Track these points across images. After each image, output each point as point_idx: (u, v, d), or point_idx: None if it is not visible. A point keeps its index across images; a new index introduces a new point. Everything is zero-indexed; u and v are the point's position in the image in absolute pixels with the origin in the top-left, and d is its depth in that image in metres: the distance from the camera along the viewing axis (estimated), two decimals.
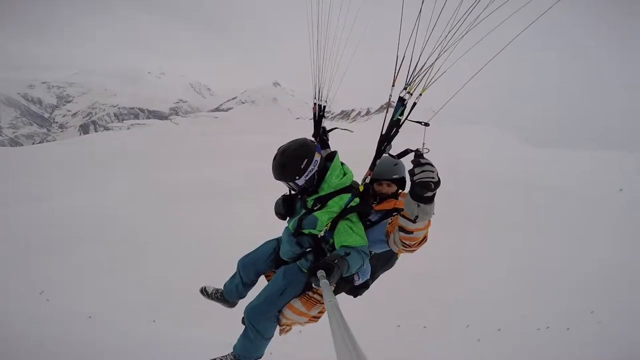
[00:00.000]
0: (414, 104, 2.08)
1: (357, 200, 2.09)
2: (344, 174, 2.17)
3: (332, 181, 2.13)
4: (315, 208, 2.12)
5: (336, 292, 2.14)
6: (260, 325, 2.16)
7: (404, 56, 2.01)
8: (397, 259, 2.52)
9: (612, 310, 7.60)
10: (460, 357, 6.88)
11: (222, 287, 2.65)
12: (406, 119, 2.10)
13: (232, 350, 2.27)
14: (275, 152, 2.16)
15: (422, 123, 2.05)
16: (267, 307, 2.15)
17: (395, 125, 2.12)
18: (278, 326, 2.22)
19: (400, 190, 2.58)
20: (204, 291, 2.71)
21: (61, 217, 11.63)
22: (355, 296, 2.33)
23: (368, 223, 2.21)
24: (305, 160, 2.05)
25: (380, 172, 2.49)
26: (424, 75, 2.01)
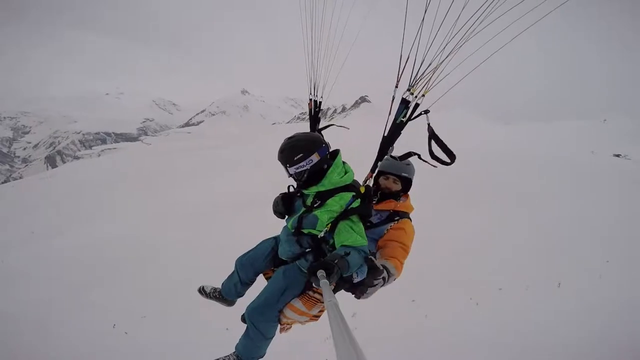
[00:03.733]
0: (416, 105, 2.13)
1: (358, 202, 2.10)
2: (345, 172, 2.20)
3: (333, 178, 2.14)
4: (315, 205, 2.15)
5: (335, 290, 2.18)
6: (261, 325, 2.19)
7: (407, 58, 2.06)
8: None
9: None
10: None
11: (220, 286, 2.67)
12: (409, 120, 2.15)
13: (234, 350, 2.29)
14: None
15: (423, 111, 2.15)
16: (267, 308, 2.17)
17: (398, 127, 2.18)
18: (279, 325, 2.24)
19: (402, 193, 2.57)
20: (202, 290, 2.73)
21: (81, 253, 11.58)
22: (358, 297, 2.28)
23: (368, 224, 2.28)
24: (300, 154, 2.08)
25: (390, 166, 2.54)
26: (427, 78, 2.07)
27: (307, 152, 2.09)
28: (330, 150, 2.25)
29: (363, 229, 2.07)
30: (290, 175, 2.17)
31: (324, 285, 1.47)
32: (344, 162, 2.25)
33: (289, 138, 2.16)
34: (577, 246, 9.11)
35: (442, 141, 2.16)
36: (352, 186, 2.15)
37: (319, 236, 2.10)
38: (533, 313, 6.60)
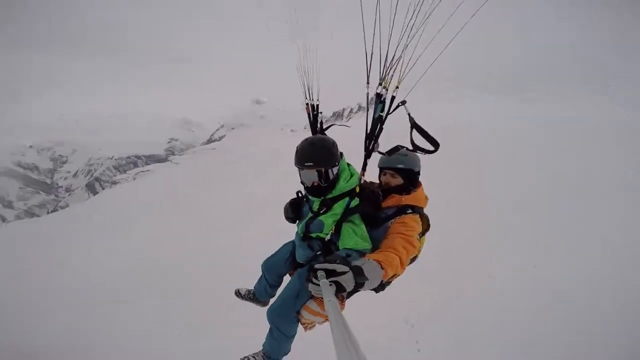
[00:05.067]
0: (393, 97, 2.17)
1: (356, 200, 2.15)
2: (351, 176, 2.24)
3: (341, 184, 2.18)
4: (321, 211, 2.20)
5: (348, 295, 2.11)
6: (282, 326, 2.29)
7: (371, 52, 2.08)
8: (418, 253, 2.35)
9: None
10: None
11: (253, 288, 2.87)
12: (388, 114, 2.21)
13: (261, 348, 2.43)
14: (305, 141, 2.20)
15: (400, 103, 2.20)
16: (285, 309, 2.27)
17: (378, 122, 2.23)
18: (300, 324, 2.30)
19: (411, 187, 2.40)
20: (238, 293, 2.97)
21: (137, 267, 12.49)
22: (376, 292, 2.28)
23: (374, 223, 2.22)
24: (334, 160, 2.17)
25: (384, 161, 2.47)
26: (396, 69, 2.09)
27: (335, 157, 2.19)
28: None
29: (365, 231, 2.12)
30: (319, 177, 2.16)
31: (324, 285, 1.46)
32: (348, 165, 2.33)
33: (319, 139, 2.20)
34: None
35: (424, 130, 2.23)
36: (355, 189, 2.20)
37: (325, 239, 2.18)
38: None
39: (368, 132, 2.25)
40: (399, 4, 1.90)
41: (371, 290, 2.06)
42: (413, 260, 2.26)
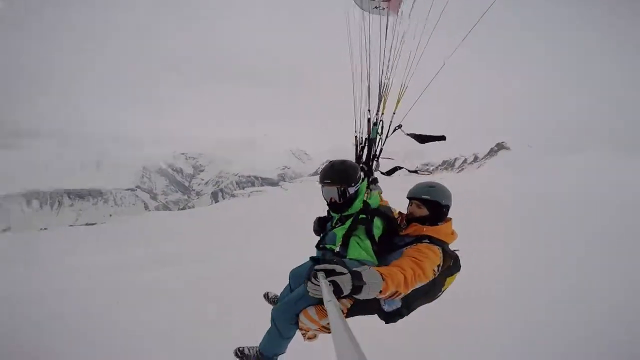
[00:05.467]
0: (391, 122, 2.72)
1: (363, 216, 2.29)
2: (369, 199, 2.42)
3: (356, 204, 2.37)
4: (337, 226, 2.38)
5: (361, 312, 2.23)
6: (280, 324, 2.38)
7: (368, 84, 2.65)
8: (441, 291, 2.34)
9: None
10: None
11: (279, 294, 3.01)
12: (387, 137, 2.71)
13: (258, 346, 2.54)
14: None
15: (397, 127, 2.73)
16: (286, 309, 2.36)
17: (369, 142, 2.69)
18: (299, 331, 2.34)
19: (436, 220, 2.34)
20: (266, 296, 3.16)
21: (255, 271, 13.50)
22: (387, 322, 2.31)
23: (389, 246, 2.31)
24: (354, 180, 2.35)
25: (411, 191, 2.48)
26: (386, 98, 2.60)
27: (357, 178, 2.39)
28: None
29: (369, 247, 2.17)
30: (339, 195, 2.35)
31: (324, 285, 1.46)
32: (370, 189, 2.53)
33: (340, 162, 2.45)
34: None
35: (424, 135, 2.71)
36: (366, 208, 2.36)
37: (335, 250, 2.29)
38: None
39: (365, 153, 2.69)
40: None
41: (382, 319, 2.27)
42: (434, 296, 2.31)
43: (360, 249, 2.16)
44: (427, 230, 2.29)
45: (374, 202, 2.43)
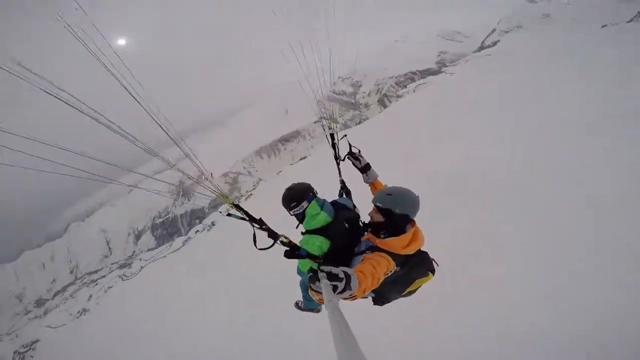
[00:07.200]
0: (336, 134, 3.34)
1: (304, 234, 2.78)
2: (314, 219, 2.76)
3: (305, 222, 2.82)
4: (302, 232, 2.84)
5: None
6: (303, 292, 3.19)
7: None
8: (407, 291, 2.50)
9: None
10: None
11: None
12: (336, 144, 3.33)
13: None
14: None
15: (343, 136, 3.39)
16: (303, 287, 3.15)
17: (333, 146, 3.34)
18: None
19: (394, 233, 2.36)
20: (297, 305, 3.69)
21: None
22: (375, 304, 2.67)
23: (352, 251, 2.56)
24: (294, 203, 2.83)
25: (374, 196, 2.53)
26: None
27: (300, 199, 2.83)
28: (316, 196, 2.90)
29: (305, 239, 2.69)
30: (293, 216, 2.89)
31: (325, 285, 1.59)
32: (322, 204, 2.82)
33: (287, 190, 2.91)
34: None
35: (353, 153, 3.26)
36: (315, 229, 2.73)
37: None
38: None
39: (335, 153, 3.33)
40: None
41: (375, 304, 2.63)
42: (400, 294, 2.50)
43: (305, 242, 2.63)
44: (379, 242, 2.32)
45: (315, 223, 2.71)
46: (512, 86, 21.40)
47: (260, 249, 2.48)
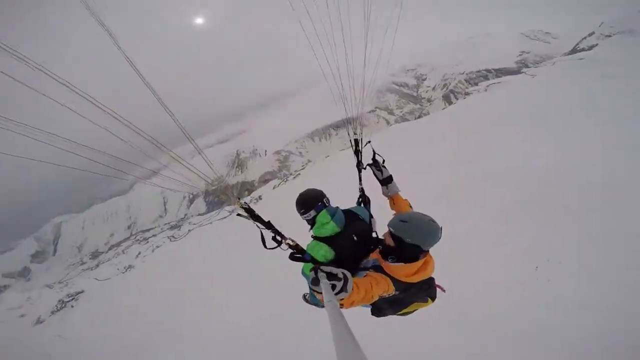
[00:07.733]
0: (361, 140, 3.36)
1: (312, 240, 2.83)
2: (322, 227, 2.79)
3: (315, 229, 2.84)
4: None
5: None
6: (310, 291, 3.03)
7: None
8: (404, 312, 2.51)
9: None
10: None
11: None
12: (360, 149, 3.32)
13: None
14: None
15: (367, 142, 3.36)
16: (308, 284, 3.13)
17: (357, 154, 3.31)
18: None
19: (403, 260, 2.30)
20: (305, 298, 3.56)
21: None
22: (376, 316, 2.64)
23: (357, 264, 2.64)
24: (303, 209, 2.91)
25: (392, 219, 2.44)
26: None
27: (308, 207, 2.89)
28: (327, 205, 2.93)
29: (311, 244, 2.76)
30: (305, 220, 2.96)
31: (325, 285, 1.62)
32: (334, 214, 2.83)
33: (300, 195, 2.97)
34: None
35: (376, 161, 3.24)
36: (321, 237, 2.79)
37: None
38: None
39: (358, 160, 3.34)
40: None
41: (374, 315, 2.59)
42: (397, 312, 2.51)
43: (311, 248, 2.71)
44: (385, 266, 2.32)
45: (323, 232, 2.78)
46: (606, 94, 18.80)
47: (270, 249, 2.61)
